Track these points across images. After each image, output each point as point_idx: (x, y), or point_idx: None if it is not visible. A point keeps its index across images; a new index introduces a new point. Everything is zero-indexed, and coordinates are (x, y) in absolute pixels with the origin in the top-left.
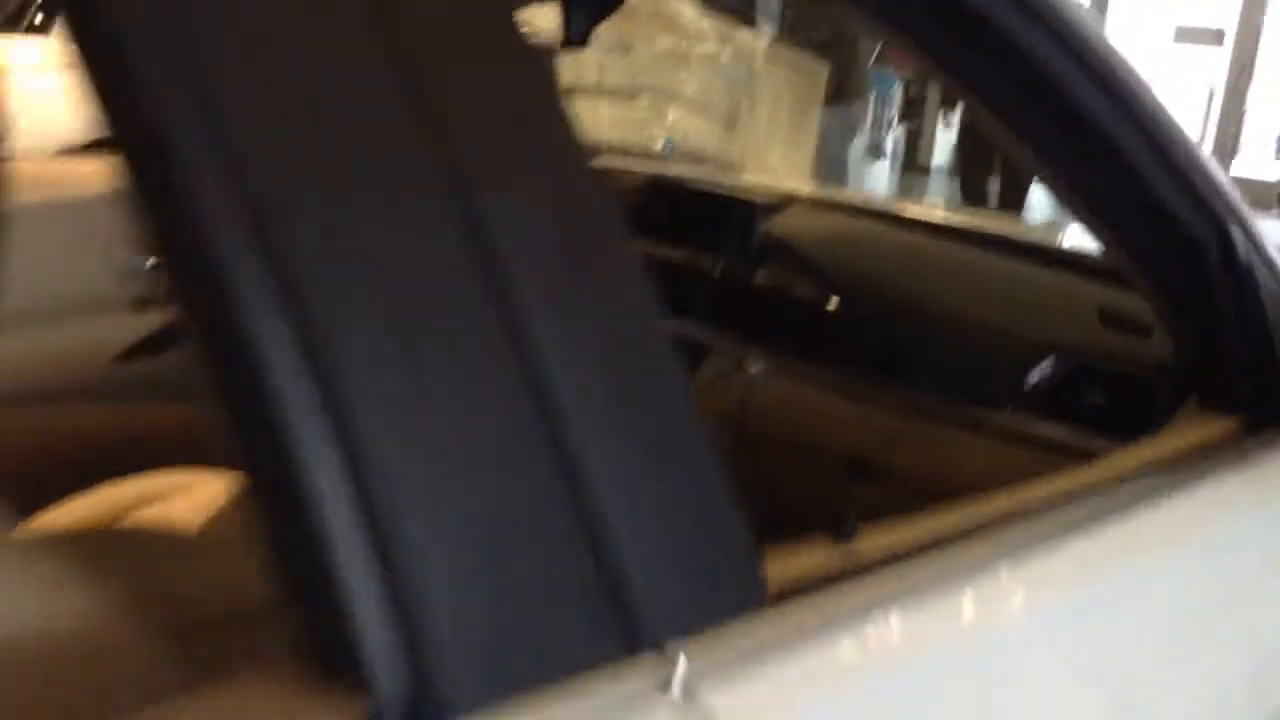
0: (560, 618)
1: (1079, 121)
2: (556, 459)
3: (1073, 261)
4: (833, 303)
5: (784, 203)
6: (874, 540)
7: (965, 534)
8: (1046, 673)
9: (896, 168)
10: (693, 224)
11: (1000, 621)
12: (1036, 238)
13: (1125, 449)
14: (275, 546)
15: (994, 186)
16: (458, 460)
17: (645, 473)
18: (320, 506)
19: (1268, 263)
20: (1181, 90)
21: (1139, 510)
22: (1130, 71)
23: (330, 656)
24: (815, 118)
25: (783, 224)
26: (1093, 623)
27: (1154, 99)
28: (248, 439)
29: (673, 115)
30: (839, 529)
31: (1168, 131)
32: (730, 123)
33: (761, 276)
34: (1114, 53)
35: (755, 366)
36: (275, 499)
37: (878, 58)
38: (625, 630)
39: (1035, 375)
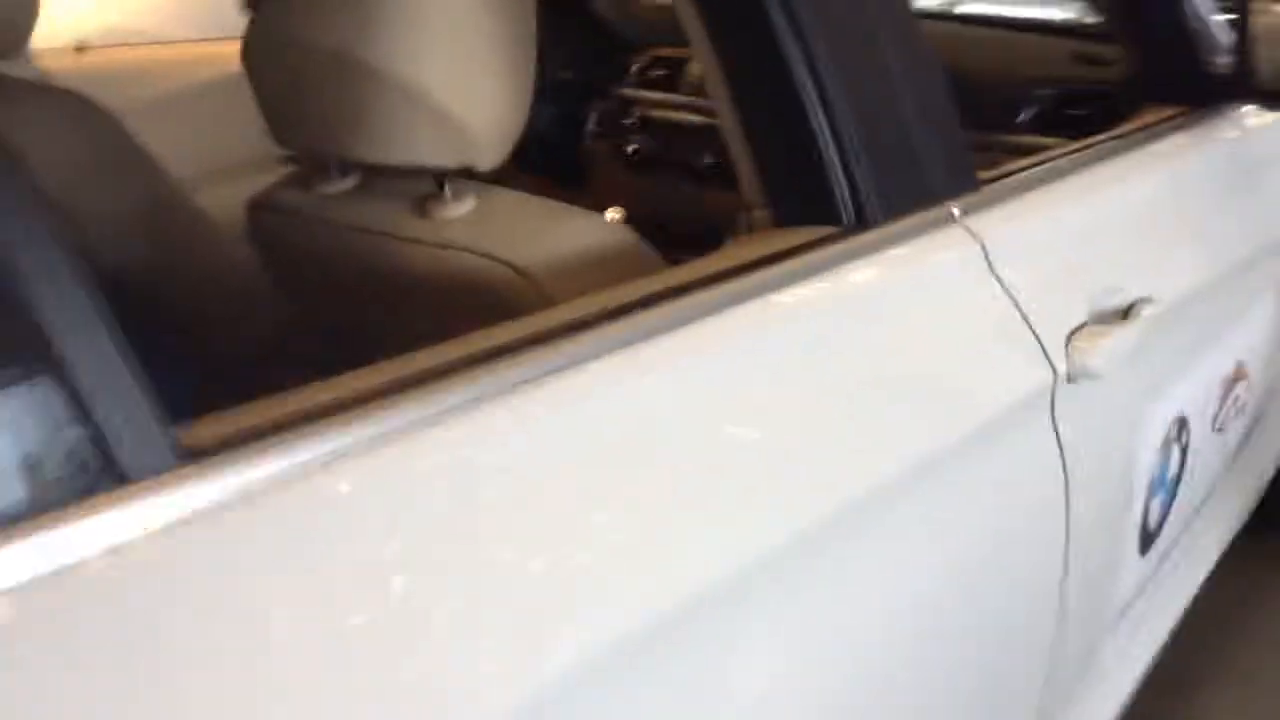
0: (895, 178)
1: None
2: (891, 89)
3: (1046, 27)
4: None
5: None
6: None
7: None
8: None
9: None
10: None
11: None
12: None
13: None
14: (769, 130)
15: None
16: (857, 77)
17: (930, 101)
18: (805, 100)
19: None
20: None
21: (1118, 145)
22: None
23: (800, 205)
24: None
25: None
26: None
27: None
28: (763, 78)
29: None
30: None
31: None
32: None
33: None
34: None
35: None
36: (775, 105)
37: None
38: (922, 188)
39: (1028, 104)
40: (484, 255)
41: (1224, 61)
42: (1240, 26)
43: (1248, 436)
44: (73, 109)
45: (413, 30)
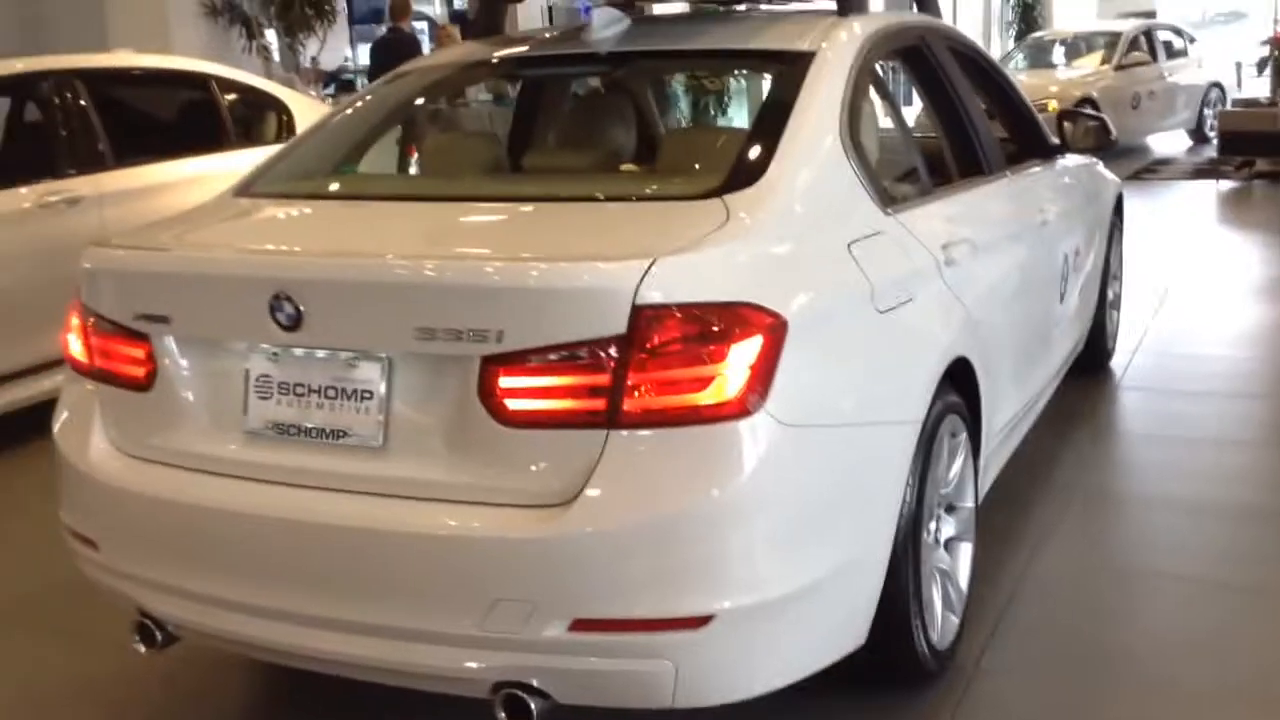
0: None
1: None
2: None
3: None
4: None
5: None
6: None
7: None
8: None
9: None
10: None
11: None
12: None
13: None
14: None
15: None
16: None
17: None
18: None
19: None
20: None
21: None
22: None
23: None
24: None
25: None
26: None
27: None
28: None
29: None
30: None
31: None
32: None
33: None
34: None
35: None
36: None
37: None
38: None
39: None
40: None
41: (1054, 140)
42: (1059, 125)
43: (1080, 295)
44: None
45: None
